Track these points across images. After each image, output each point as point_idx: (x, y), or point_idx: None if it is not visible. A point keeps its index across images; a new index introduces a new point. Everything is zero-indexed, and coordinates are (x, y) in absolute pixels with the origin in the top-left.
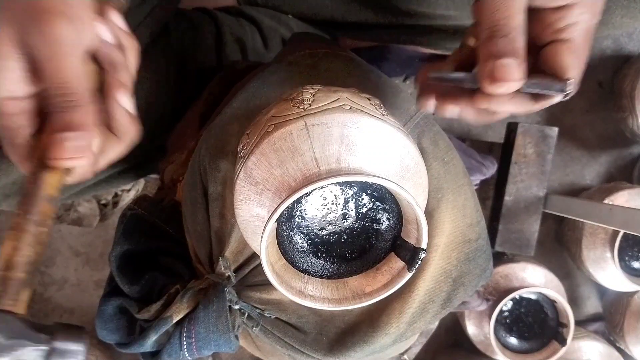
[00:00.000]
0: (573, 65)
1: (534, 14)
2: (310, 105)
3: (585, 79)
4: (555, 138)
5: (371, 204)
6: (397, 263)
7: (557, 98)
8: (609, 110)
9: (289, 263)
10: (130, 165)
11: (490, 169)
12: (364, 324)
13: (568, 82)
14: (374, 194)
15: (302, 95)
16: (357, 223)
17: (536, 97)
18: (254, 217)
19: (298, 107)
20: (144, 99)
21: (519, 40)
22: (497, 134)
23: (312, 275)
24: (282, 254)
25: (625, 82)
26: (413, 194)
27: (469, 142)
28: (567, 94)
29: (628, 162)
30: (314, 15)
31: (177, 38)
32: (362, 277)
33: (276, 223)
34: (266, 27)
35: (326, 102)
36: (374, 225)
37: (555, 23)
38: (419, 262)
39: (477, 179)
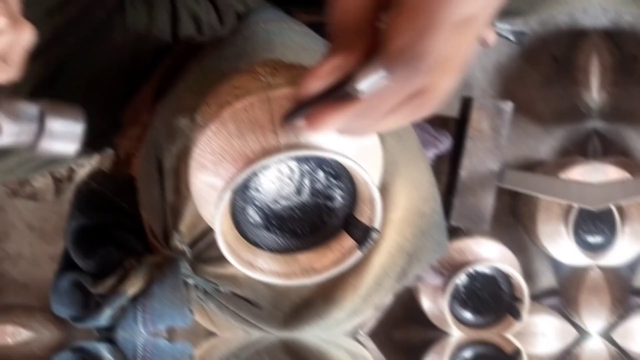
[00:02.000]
0: (397, 37)
1: None
2: (273, 79)
3: (541, 53)
4: (510, 113)
5: (326, 180)
6: (348, 241)
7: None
8: (564, 85)
9: (241, 235)
10: (86, 140)
11: (445, 144)
12: (319, 299)
13: (363, 71)
14: (330, 171)
15: (265, 67)
16: (311, 199)
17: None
18: (208, 187)
19: (260, 79)
20: (98, 73)
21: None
22: (452, 109)
23: (262, 249)
24: (235, 226)
25: (580, 57)
26: (370, 173)
27: None
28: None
29: (583, 136)
30: None
31: (132, 14)
32: (313, 254)
33: (230, 193)
34: (221, 2)
35: (289, 76)
36: (328, 202)
37: None
38: (371, 241)
39: (432, 153)
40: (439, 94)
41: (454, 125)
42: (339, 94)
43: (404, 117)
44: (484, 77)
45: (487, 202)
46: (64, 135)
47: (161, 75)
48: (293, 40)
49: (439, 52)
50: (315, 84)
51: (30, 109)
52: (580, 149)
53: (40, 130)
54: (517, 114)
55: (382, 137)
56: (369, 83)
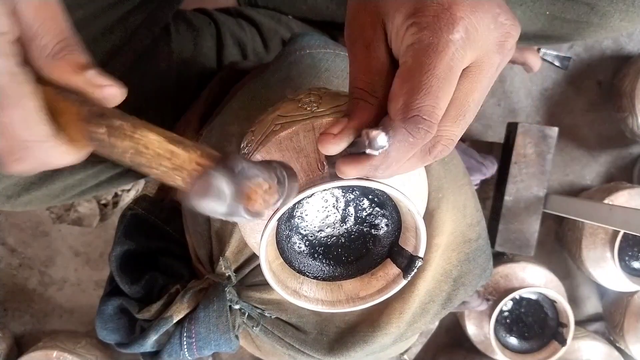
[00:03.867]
0: (397, 98)
1: None
2: (318, 108)
3: (586, 78)
4: (555, 138)
5: (371, 209)
6: (392, 269)
7: (374, 152)
8: (608, 110)
9: (286, 263)
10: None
11: (490, 169)
12: (364, 324)
13: (368, 134)
14: (375, 199)
15: (310, 97)
16: (356, 227)
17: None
18: None
19: (305, 108)
20: (144, 99)
21: (359, 102)
22: (497, 134)
23: (307, 276)
24: (280, 254)
25: (625, 82)
26: (414, 202)
27: (469, 142)
28: (378, 147)
29: (628, 162)
30: (314, 16)
31: (177, 39)
32: (357, 281)
33: (276, 222)
34: (266, 28)
35: (334, 105)
36: (372, 230)
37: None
38: (415, 269)
39: (477, 179)
40: (449, 142)
41: (499, 151)
42: (356, 151)
43: (418, 162)
44: (529, 102)
45: (533, 227)
46: (292, 195)
47: (207, 100)
48: (338, 65)
49: (436, 106)
50: (334, 148)
51: (280, 172)
52: (625, 174)
53: (284, 192)
54: (562, 139)
55: (428, 164)
56: (377, 145)
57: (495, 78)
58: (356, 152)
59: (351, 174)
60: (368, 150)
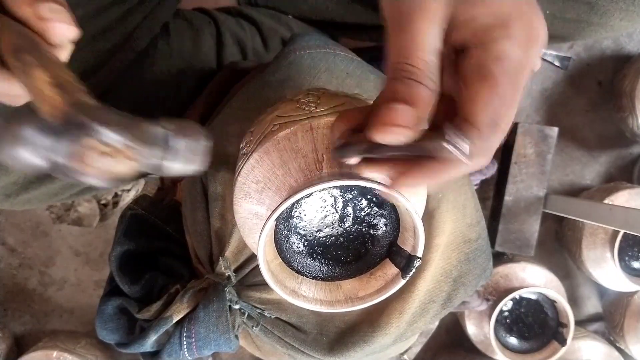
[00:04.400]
0: (486, 110)
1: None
2: (316, 108)
3: (586, 78)
4: (555, 138)
5: (369, 209)
6: (391, 269)
7: (461, 158)
8: (609, 110)
9: (285, 262)
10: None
11: (490, 169)
12: (364, 324)
13: (447, 137)
14: (374, 199)
15: (309, 97)
16: (354, 227)
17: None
18: (252, 215)
19: (304, 108)
20: (143, 98)
21: (418, 86)
22: None
23: (306, 276)
24: (279, 253)
25: (625, 82)
26: (412, 202)
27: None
28: (465, 154)
29: (628, 162)
30: (314, 16)
31: (177, 39)
32: (356, 281)
33: (274, 222)
34: (266, 27)
35: (332, 105)
36: (371, 230)
37: (477, 57)
38: (414, 269)
39: (477, 179)
40: (493, 150)
41: (499, 151)
42: (420, 152)
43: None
44: (529, 102)
45: (532, 227)
46: (187, 155)
47: (206, 100)
48: (338, 66)
49: (510, 119)
50: (401, 138)
51: (156, 130)
52: (625, 175)
53: (166, 151)
54: (562, 139)
55: None
56: (457, 148)
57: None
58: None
59: (411, 185)
60: (443, 154)
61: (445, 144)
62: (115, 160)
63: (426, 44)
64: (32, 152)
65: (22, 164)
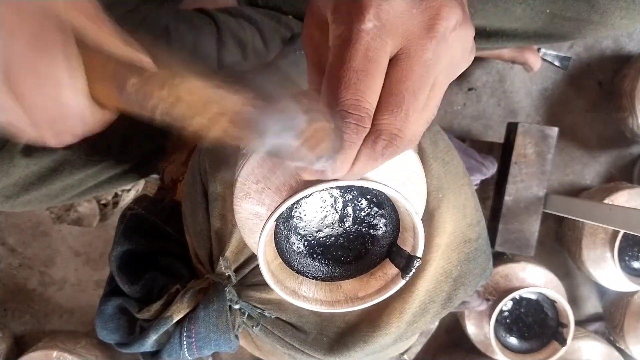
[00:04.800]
0: (325, 92)
1: None
2: None
3: (586, 78)
4: (555, 138)
5: (369, 209)
6: (391, 269)
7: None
8: (609, 110)
9: (285, 263)
10: (131, 166)
11: (490, 169)
12: (364, 324)
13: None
14: (373, 199)
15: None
16: (354, 227)
17: None
18: (252, 215)
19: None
20: None
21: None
22: (497, 134)
23: (306, 277)
24: (279, 254)
25: (625, 82)
26: (412, 202)
27: (469, 142)
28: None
29: (628, 162)
30: None
31: (177, 39)
32: (356, 281)
33: (274, 222)
34: (266, 27)
35: None
36: (371, 230)
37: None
38: (414, 269)
39: (477, 179)
40: (392, 136)
41: (499, 151)
42: None
43: (370, 161)
44: (529, 102)
45: (532, 227)
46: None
47: None
48: None
49: (360, 99)
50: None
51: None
52: (625, 174)
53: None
54: (562, 139)
55: (427, 164)
56: (321, 161)
57: (443, 64)
58: None
59: (311, 177)
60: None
61: None
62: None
63: (318, 68)
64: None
65: (277, 150)
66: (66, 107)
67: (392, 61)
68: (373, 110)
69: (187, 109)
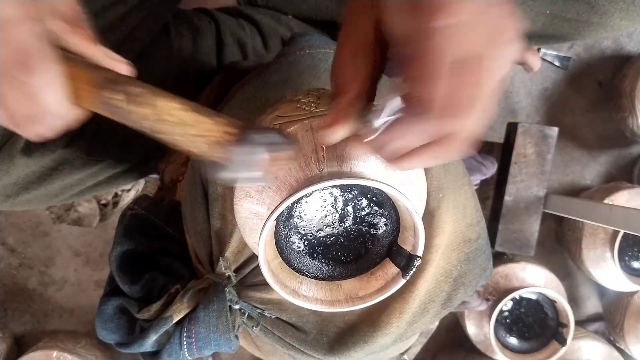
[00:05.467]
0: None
1: None
2: (316, 108)
3: (585, 78)
4: (555, 138)
5: (369, 208)
6: (391, 269)
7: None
8: (609, 110)
9: (285, 262)
10: (131, 165)
11: (490, 169)
12: (364, 324)
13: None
14: (374, 198)
15: (308, 97)
16: (355, 227)
17: None
18: (253, 215)
19: (304, 108)
20: None
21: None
22: (497, 134)
23: (306, 276)
24: (279, 253)
25: (625, 82)
26: (412, 201)
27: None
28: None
29: (628, 162)
30: (314, 16)
31: (177, 39)
32: (356, 281)
33: (275, 222)
34: (266, 27)
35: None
36: (371, 230)
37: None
38: (414, 269)
39: (477, 178)
40: (461, 138)
41: (499, 151)
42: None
43: (428, 159)
44: (529, 102)
45: (532, 227)
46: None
47: (207, 100)
48: None
49: (444, 97)
50: (335, 136)
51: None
52: (625, 174)
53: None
54: (562, 139)
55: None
56: (381, 120)
57: (498, 74)
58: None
59: (360, 149)
60: (378, 120)
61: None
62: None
63: (351, 41)
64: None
65: (243, 177)
66: (46, 111)
67: (454, 66)
68: None
69: (166, 128)
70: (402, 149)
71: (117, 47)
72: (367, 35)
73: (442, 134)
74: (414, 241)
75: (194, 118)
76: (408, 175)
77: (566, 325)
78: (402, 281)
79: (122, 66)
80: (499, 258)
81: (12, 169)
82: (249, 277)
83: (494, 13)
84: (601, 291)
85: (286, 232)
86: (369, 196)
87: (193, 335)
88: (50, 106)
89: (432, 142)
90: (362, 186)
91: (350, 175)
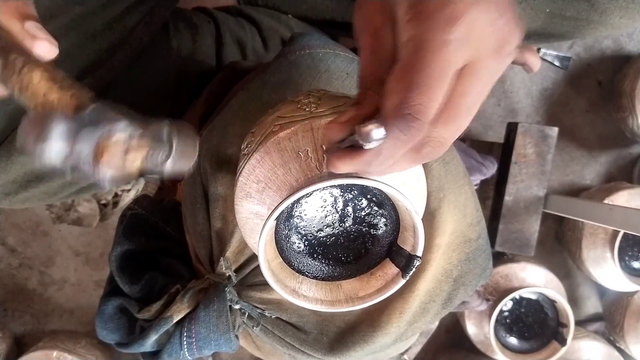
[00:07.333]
0: (394, 90)
1: None
2: (317, 108)
3: (586, 78)
4: (555, 138)
5: (369, 208)
6: (391, 269)
7: (369, 145)
8: (609, 110)
9: (285, 262)
10: None
11: (490, 169)
12: (365, 324)
13: (364, 127)
14: (374, 199)
15: (309, 97)
16: (355, 227)
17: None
18: (253, 215)
19: (304, 109)
20: (142, 96)
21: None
22: (497, 134)
23: (306, 276)
24: (279, 253)
25: (625, 82)
26: (412, 201)
27: (469, 142)
28: (372, 140)
29: (628, 162)
30: (314, 15)
31: (176, 38)
32: (356, 281)
33: (275, 221)
34: (266, 27)
35: (332, 106)
36: (371, 230)
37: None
38: (414, 269)
39: (477, 179)
40: (438, 144)
41: (499, 151)
42: (348, 144)
43: (408, 162)
44: (529, 102)
45: (532, 227)
46: (184, 154)
47: (207, 100)
48: (337, 66)
49: (427, 106)
50: (338, 135)
51: (163, 128)
52: (625, 174)
53: (170, 149)
54: (562, 139)
55: (428, 164)
56: (371, 138)
57: (491, 85)
58: (351, 145)
59: (343, 168)
60: (365, 145)
61: (356, 132)
62: (129, 155)
63: (374, 54)
64: (60, 146)
65: (50, 157)
66: None
67: (457, 74)
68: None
69: (29, 96)
70: (390, 166)
71: (116, 46)
72: (390, 43)
73: (428, 140)
74: (414, 241)
75: (45, 87)
76: (408, 175)
77: (566, 325)
78: (402, 281)
79: (42, 44)
80: (499, 258)
81: (10, 166)
82: (250, 277)
83: (503, 24)
84: (601, 291)
85: (286, 232)
86: (369, 196)
87: (193, 335)
88: None
89: (416, 147)
90: (362, 186)
91: (350, 175)
